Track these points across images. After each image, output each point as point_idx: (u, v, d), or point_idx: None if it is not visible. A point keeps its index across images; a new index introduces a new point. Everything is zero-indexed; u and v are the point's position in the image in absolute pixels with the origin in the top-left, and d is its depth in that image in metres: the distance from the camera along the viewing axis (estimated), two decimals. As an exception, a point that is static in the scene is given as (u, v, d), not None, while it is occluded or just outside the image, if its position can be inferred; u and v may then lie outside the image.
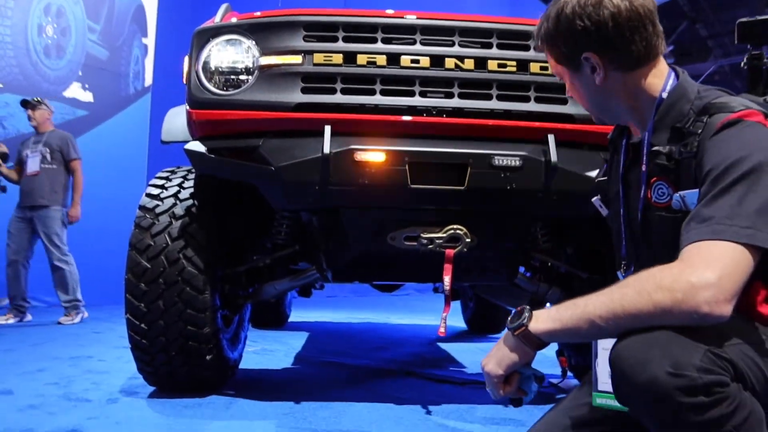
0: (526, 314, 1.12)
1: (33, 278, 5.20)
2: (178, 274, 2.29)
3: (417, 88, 2.13)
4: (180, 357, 2.35)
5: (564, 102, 2.16)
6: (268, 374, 3.07)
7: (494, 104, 2.15)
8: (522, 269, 2.63)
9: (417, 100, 2.13)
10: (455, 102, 2.14)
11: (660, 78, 1.23)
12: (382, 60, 2.12)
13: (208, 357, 2.36)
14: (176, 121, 2.45)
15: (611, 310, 1.03)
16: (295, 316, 5.48)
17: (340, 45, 2.13)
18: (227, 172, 2.22)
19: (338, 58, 2.12)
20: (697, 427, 0.96)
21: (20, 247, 5.04)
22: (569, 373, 2.67)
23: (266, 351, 3.76)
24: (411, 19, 2.18)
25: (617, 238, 1.35)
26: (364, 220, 2.20)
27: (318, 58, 2.11)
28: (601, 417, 1.25)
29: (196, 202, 2.40)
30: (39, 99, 5.25)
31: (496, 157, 2.07)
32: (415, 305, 7.33)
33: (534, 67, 2.16)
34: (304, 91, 2.11)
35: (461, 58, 2.14)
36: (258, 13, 2.24)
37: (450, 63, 2.14)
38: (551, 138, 2.10)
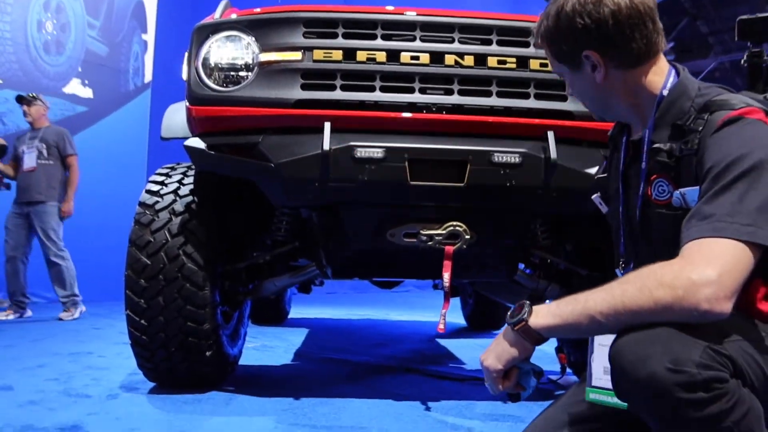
0: (526, 309, 1.12)
1: (32, 274, 5.21)
2: (178, 270, 2.29)
3: (417, 85, 2.13)
4: (180, 353, 2.35)
5: (564, 99, 2.16)
6: (267, 370, 3.07)
7: (494, 101, 2.15)
8: (521, 266, 2.63)
9: (417, 97, 2.13)
10: (455, 99, 2.14)
11: (660, 75, 1.23)
12: (381, 56, 2.12)
13: (207, 353, 2.37)
14: (176, 117, 2.45)
15: (612, 306, 1.03)
16: (294, 313, 5.49)
17: (340, 41, 2.13)
18: (227, 169, 2.22)
19: (338, 55, 2.12)
20: (696, 423, 0.96)
21: (18, 243, 5.04)
22: (568, 370, 2.66)
23: (266, 347, 3.76)
24: (411, 15, 2.18)
25: (616, 236, 1.35)
26: (364, 217, 2.21)
27: (318, 54, 2.11)
28: (599, 413, 1.26)
29: (195, 198, 2.40)
30: (34, 95, 5.24)
31: (495, 154, 2.07)
32: (414, 302, 7.34)
33: (534, 64, 2.16)
34: (304, 87, 2.11)
35: (461, 55, 2.14)
36: (258, 10, 2.24)
37: (450, 60, 2.14)
38: (551, 135, 2.10)
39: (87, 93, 7.29)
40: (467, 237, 2.16)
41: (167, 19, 7.95)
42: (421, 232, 2.15)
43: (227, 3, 2.40)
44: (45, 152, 5.06)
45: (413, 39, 2.15)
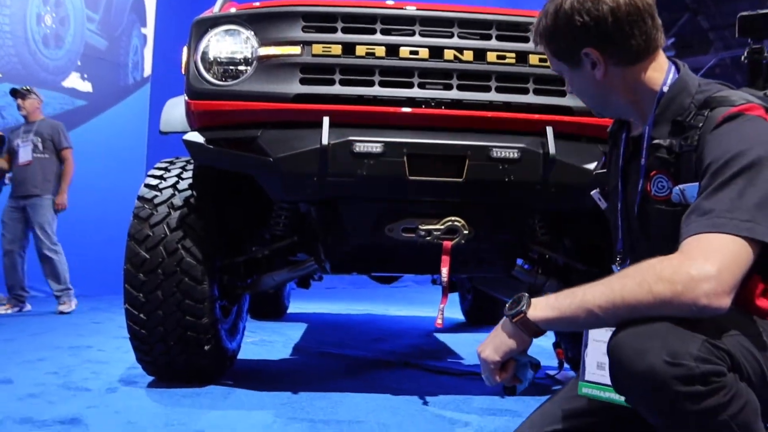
0: (525, 301, 1.13)
1: (31, 268, 5.21)
2: (177, 264, 2.29)
3: (416, 80, 2.13)
4: (178, 347, 2.36)
5: (563, 94, 2.16)
6: (266, 365, 3.08)
7: (493, 96, 2.15)
8: (520, 261, 2.64)
9: (416, 92, 2.13)
10: (454, 93, 2.13)
11: (660, 72, 1.23)
12: (381, 51, 2.12)
13: (206, 347, 2.37)
14: (175, 111, 2.45)
15: (610, 300, 1.03)
16: (293, 308, 5.50)
17: (339, 36, 2.13)
18: (226, 163, 2.22)
19: (337, 49, 2.11)
20: (693, 416, 0.97)
21: (15, 237, 5.05)
22: (566, 365, 2.68)
23: (265, 342, 3.77)
24: (410, 10, 2.17)
25: (614, 231, 1.36)
26: (363, 212, 2.21)
27: (317, 48, 2.11)
28: (595, 408, 1.26)
29: (194, 192, 2.40)
30: (28, 88, 5.23)
31: (494, 149, 2.07)
32: (413, 297, 7.35)
33: (533, 59, 2.16)
34: (303, 82, 2.11)
35: (460, 50, 2.14)
36: (257, 3, 2.24)
37: (449, 54, 2.13)
38: (550, 130, 2.10)
39: (86, 87, 7.28)
40: (465, 232, 2.16)
41: (166, 13, 7.94)
42: (420, 227, 2.15)
43: (226, -3, 2.40)
44: (40, 146, 5.06)
45: (412, 34, 2.15)
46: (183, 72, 2.19)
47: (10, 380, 2.55)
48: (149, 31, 8.03)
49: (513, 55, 2.16)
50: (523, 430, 1.34)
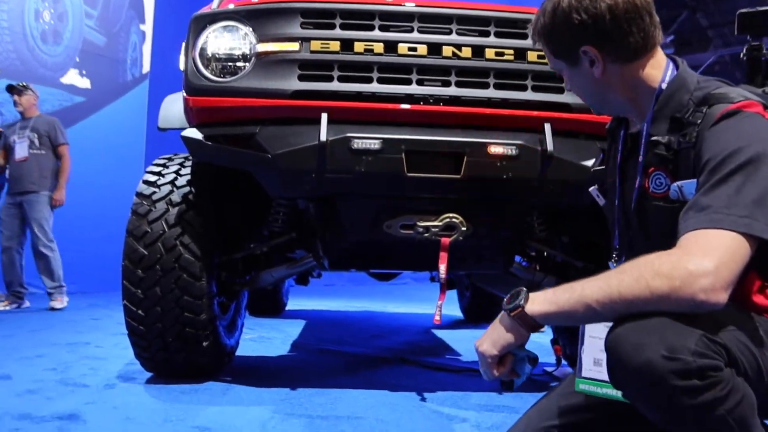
0: (523, 295, 1.13)
1: (29, 265, 5.21)
2: (175, 260, 2.29)
3: (414, 76, 2.13)
4: (177, 343, 2.36)
5: (561, 91, 2.16)
6: (264, 361, 3.08)
7: (491, 93, 2.15)
8: (518, 258, 2.64)
9: (414, 89, 2.12)
10: (452, 90, 2.13)
11: (658, 69, 1.24)
12: (379, 48, 2.12)
13: (204, 343, 2.37)
14: (173, 108, 2.45)
15: (608, 294, 1.03)
16: (292, 305, 5.50)
17: (338, 32, 2.13)
18: (224, 160, 2.22)
19: (335, 46, 2.11)
20: (690, 410, 0.97)
21: (13, 234, 5.05)
22: (564, 362, 2.68)
23: (263, 338, 3.77)
24: (409, 6, 2.17)
25: (611, 228, 1.36)
26: (361, 208, 2.21)
27: (315, 45, 2.11)
28: (592, 404, 1.26)
29: (192, 189, 2.40)
30: (24, 84, 5.22)
31: (492, 146, 2.07)
32: (412, 294, 7.35)
33: (531, 56, 2.16)
34: (301, 78, 2.11)
35: (459, 46, 2.14)
36: (255, 0, 2.23)
37: (447, 51, 2.13)
38: (548, 127, 2.10)
39: (84, 83, 7.27)
40: (463, 229, 2.16)
41: (165, 9, 7.92)
42: (418, 223, 2.16)
43: (225, -7, 2.39)
44: (37, 142, 5.05)
45: (411, 30, 2.15)
46: (181, 68, 2.19)
47: (8, 376, 2.56)
48: (148, 27, 8.01)
49: (511, 51, 2.16)
50: (519, 426, 1.34)
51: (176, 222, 2.32)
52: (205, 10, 2.23)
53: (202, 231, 2.35)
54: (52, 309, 4.98)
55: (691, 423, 0.99)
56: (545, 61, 2.12)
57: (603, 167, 1.44)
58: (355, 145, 2.04)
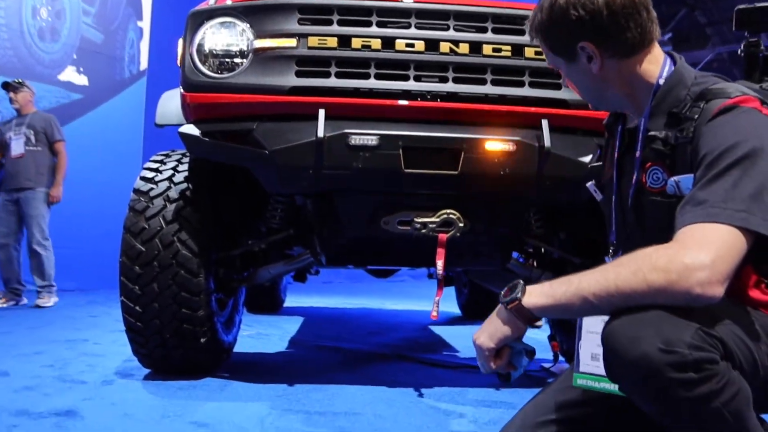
0: (520, 288, 1.13)
1: (26, 262, 5.19)
2: (173, 257, 2.29)
3: (411, 73, 2.13)
4: (174, 339, 2.36)
5: (558, 87, 2.16)
6: (262, 357, 3.09)
7: (488, 89, 2.15)
8: (515, 254, 2.64)
9: (411, 85, 2.13)
10: (450, 86, 2.14)
11: (656, 64, 1.24)
12: (376, 44, 2.12)
13: (202, 340, 2.38)
14: (170, 104, 2.45)
15: (605, 288, 1.04)
16: (290, 301, 5.50)
17: (335, 28, 2.12)
18: (221, 156, 2.22)
19: (333, 42, 2.11)
20: (686, 403, 0.98)
21: (10, 230, 5.04)
22: (561, 358, 2.69)
23: (261, 335, 3.78)
24: (406, 2, 2.17)
25: (608, 223, 1.36)
26: (358, 205, 2.21)
27: (312, 41, 2.11)
28: (589, 399, 1.27)
29: (190, 185, 2.40)
30: (20, 81, 5.21)
31: (489, 142, 2.07)
32: (409, 291, 7.36)
33: (529, 52, 2.16)
34: (299, 74, 2.11)
35: (456, 43, 2.14)
36: (253, -4, 2.23)
37: (445, 47, 2.13)
38: (545, 123, 2.10)
39: (82, 80, 7.25)
40: (461, 225, 2.16)
41: (162, 6, 7.90)
42: (415, 219, 2.16)
43: (222, -11, 2.38)
44: (33, 138, 5.04)
45: (408, 26, 2.15)
46: (179, 64, 2.19)
47: (6, 373, 2.56)
48: (145, 24, 7.99)
49: (509, 47, 2.16)
50: (516, 422, 1.34)
51: (173, 218, 2.32)
52: (202, 6, 2.22)
53: (200, 227, 2.35)
54: (38, 306, 4.95)
55: (686, 416, 0.99)
56: (542, 57, 2.12)
57: (600, 163, 1.44)
58: (353, 142, 2.04)
